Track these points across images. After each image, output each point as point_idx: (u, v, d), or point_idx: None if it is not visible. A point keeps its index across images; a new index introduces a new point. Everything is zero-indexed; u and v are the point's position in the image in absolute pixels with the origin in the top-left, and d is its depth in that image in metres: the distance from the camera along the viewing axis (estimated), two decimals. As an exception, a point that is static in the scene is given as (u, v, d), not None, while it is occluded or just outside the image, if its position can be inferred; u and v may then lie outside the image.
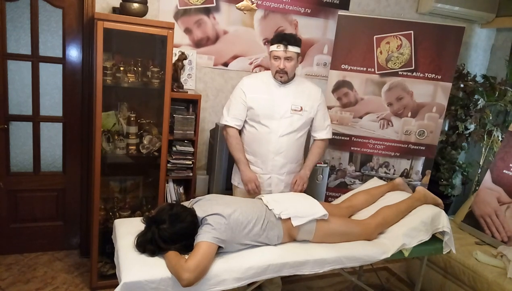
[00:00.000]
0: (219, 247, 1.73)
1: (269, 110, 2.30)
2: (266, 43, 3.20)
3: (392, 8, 3.53)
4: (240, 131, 2.42)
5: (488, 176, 3.02)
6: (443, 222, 2.21)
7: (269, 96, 2.32)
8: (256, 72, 3.20)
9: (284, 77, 2.29)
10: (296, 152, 2.40)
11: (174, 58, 2.69)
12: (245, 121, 2.38)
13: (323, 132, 2.47)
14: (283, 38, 2.24)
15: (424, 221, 2.18)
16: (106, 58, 2.47)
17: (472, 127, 3.77)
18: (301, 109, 2.33)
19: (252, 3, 3.01)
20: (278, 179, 2.39)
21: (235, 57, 3.13)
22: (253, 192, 2.33)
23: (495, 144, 3.64)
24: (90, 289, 2.61)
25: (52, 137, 2.90)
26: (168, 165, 2.66)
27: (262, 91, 2.33)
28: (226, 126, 2.39)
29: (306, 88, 2.39)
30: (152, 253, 1.70)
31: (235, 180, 2.49)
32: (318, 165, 3.09)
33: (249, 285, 1.92)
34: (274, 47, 2.26)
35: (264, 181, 2.38)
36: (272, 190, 2.39)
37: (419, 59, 3.26)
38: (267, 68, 3.24)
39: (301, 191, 2.38)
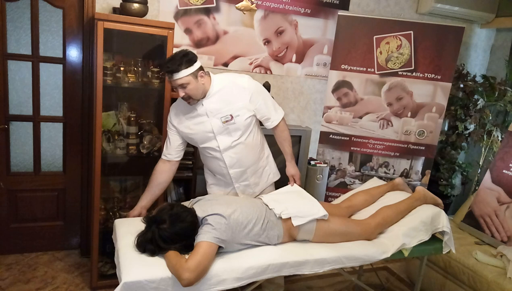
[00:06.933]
0: (219, 247, 1.73)
1: (202, 134, 2.13)
2: (266, 44, 3.20)
3: (391, 8, 3.53)
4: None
5: (487, 176, 3.02)
6: (443, 222, 2.21)
7: (194, 121, 2.13)
8: (256, 72, 3.21)
9: (192, 101, 2.05)
10: (251, 154, 2.21)
11: (174, 58, 2.69)
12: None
13: (275, 116, 2.24)
14: (165, 67, 1.96)
15: (424, 220, 2.18)
16: (106, 58, 2.47)
17: (471, 127, 3.77)
18: (232, 118, 2.09)
19: (252, 3, 3.02)
20: (245, 185, 2.26)
21: (235, 57, 3.14)
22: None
23: (494, 145, 3.64)
24: (91, 289, 2.61)
25: (52, 137, 2.90)
26: (168, 165, 2.66)
27: (187, 119, 2.14)
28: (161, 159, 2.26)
29: (229, 92, 2.11)
30: (152, 253, 1.71)
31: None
32: (318, 164, 3.10)
33: (249, 285, 1.92)
34: (167, 77, 2.03)
35: (232, 191, 2.27)
36: (254, 191, 2.29)
37: (419, 59, 3.27)
38: (267, 68, 3.25)
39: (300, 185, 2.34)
